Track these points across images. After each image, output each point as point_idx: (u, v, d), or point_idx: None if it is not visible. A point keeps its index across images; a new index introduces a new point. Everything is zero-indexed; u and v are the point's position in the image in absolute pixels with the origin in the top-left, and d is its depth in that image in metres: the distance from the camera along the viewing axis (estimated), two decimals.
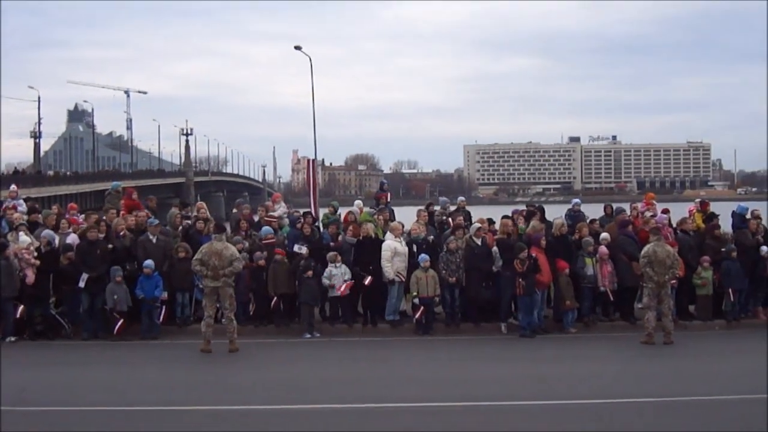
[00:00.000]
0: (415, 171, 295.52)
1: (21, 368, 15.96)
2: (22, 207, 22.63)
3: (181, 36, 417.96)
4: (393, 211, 24.41)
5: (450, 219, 22.50)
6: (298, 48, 39.22)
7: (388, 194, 25.37)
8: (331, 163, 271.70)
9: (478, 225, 21.27)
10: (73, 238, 20.51)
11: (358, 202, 24.96)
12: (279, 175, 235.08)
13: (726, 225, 23.22)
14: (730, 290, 21.31)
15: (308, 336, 20.06)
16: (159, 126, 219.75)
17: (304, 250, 20.61)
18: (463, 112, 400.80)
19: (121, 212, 22.19)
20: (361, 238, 21.11)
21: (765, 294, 21.84)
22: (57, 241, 20.39)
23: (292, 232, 21.93)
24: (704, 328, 21.07)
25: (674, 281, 19.82)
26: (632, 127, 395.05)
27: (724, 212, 24.48)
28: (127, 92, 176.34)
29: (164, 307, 20.33)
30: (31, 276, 19.51)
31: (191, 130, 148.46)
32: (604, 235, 21.26)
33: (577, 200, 25.22)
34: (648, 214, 22.49)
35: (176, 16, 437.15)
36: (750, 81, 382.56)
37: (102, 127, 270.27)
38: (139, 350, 18.83)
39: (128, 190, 24.76)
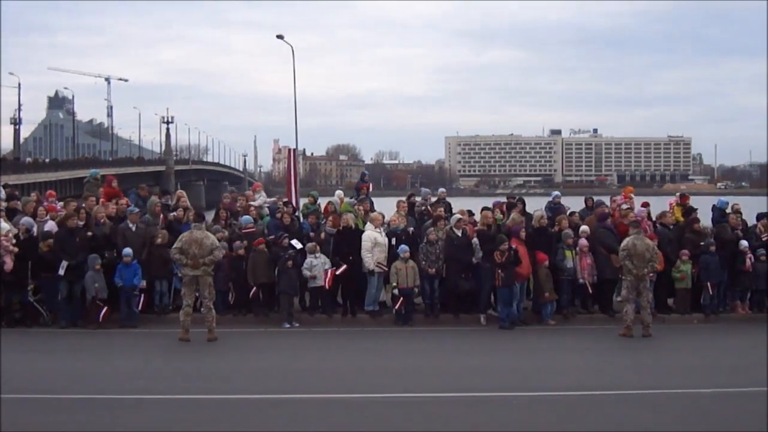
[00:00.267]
0: (396, 162, 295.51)
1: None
2: (1, 194, 22.49)
3: (162, 23, 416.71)
4: (372, 201, 24.41)
5: (430, 209, 22.52)
6: (280, 37, 39.13)
7: (369, 185, 25.36)
8: (312, 153, 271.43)
9: (459, 216, 21.28)
10: (51, 226, 20.41)
11: (338, 192, 24.96)
12: (260, 165, 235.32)
13: (706, 219, 23.32)
14: (708, 284, 21.41)
15: (287, 326, 20.05)
16: (140, 114, 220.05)
17: (299, 245, 20.61)
18: (445, 103, 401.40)
19: (101, 200, 22.13)
20: (341, 228, 21.10)
21: (743, 288, 21.95)
22: (35, 229, 20.29)
23: (271, 222, 21.90)
24: (682, 321, 21.17)
25: (653, 274, 19.88)
26: (613, 120, 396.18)
27: (704, 206, 24.59)
28: (108, 79, 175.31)
29: (143, 295, 20.28)
30: (9, 263, 19.39)
31: (172, 118, 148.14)
32: (584, 227, 21.33)
33: (557, 193, 25.29)
34: (625, 206, 22.59)
35: (158, 3, 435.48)
36: (732, 75, 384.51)
37: (82, 114, 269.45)
38: (118, 338, 18.77)
39: (108, 178, 24.68)
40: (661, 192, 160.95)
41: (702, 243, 21.59)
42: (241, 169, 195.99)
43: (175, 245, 18.46)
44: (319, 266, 20.40)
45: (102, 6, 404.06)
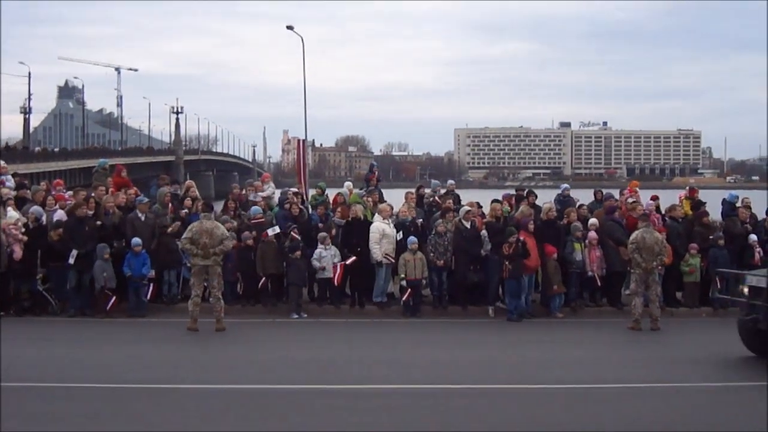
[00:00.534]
0: (405, 154, 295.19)
1: (7, 344, 15.88)
2: (10, 182, 22.53)
3: (173, 14, 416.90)
4: (382, 193, 24.41)
5: (439, 201, 22.51)
6: (290, 28, 39.12)
7: (377, 176, 25.31)
8: (321, 144, 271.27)
9: (467, 208, 21.27)
10: (60, 215, 20.44)
11: (348, 183, 24.99)
12: (269, 155, 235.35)
13: (715, 213, 23.27)
14: (717, 278, 21.35)
15: (296, 316, 20.06)
16: (149, 104, 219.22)
17: (277, 230, 20.60)
18: (455, 96, 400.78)
19: (111, 190, 22.16)
20: (349, 219, 21.11)
21: None
22: (44, 218, 20.31)
23: (280, 213, 21.91)
24: (691, 315, 21.16)
25: (661, 268, 19.86)
26: (623, 113, 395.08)
27: (713, 200, 24.53)
28: (118, 69, 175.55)
29: (152, 285, 20.31)
30: (18, 252, 19.43)
31: (182, 108, 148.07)
32: (593, 220, 21.30)
33: (566, 185, 25.25)
34: (631, 200, 22.58)
35: None
36: (742, 69, 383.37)
37: (92, 104, 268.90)
38: (126, 328, 18.80)
39: (118, 168, 24.72)
40: (671, 185, 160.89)
41: (711, 237, 21.55)
42: (250, 160, 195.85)
43: (185, 235, 18.46)
44: (328, 258, 20.40)
45: None
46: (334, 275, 20.47)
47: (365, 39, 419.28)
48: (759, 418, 11.70)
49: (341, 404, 12.36)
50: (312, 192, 24.52)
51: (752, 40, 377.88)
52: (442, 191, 23.76)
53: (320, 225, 21.36)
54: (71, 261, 19.55)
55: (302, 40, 34.77)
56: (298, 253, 20.12)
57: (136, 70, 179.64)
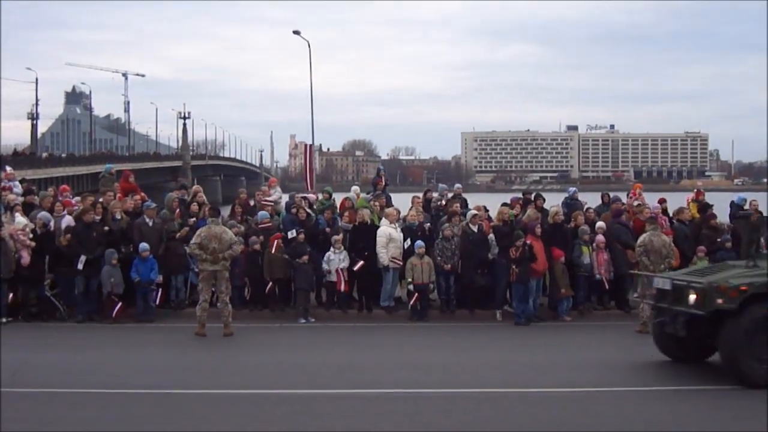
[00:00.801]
0: (412, 158, 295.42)
1: (15, 350, 15.92)
2: (18, 188, 22.58)
3: (179, 19, 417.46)
4: (390, 197, 24.42)
5: (445, 204, 22.49)
6: (296, 32, 39.13)
7: (384, 180, 25.28)
8: (328, 149, 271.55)
9: (474, 212, 21.27)
10: (68, 220, 20.48)
11: (355, 188, 25.00)
12: (276, 160, 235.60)
13: (723, 215, 23.22)
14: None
15: (303, 321, 20.07)
16: (157, 109, 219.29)
17: (294, 233, 20.66)
18: (462, 100, 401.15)
19: (118, 195, 22.19)
20: (356, 223, 21.11)
21: None
22: (52, 223, 20.35)
23: (287, 217, 21.91)
24: None
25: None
26: (630, 116, 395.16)
27: (720, 203, 24.48)
28: (125, 75, 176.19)
29: (159, 290, 20.34)
30: (26, 257, 19.47)
31: (189, 113, 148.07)
32: (600, 223, 21.26)
33: (574, 189, 25.25)
34: (635, 203, 22.55)
35: (174, 1, 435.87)
36: (749, 72, 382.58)
37: (99, 109, 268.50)
38: (134, 333, 18.82)
39: (125, 173, 24.76)
40: (678, 188, 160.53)
41: (719, 239, 21.50)
42: (257, 165, 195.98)
43: (193, 240, 18.46)
44: (336, 261, 20.41)
45: (119, 3, 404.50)
46: (338, 282, 20.49)
47: (372, 43, 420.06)
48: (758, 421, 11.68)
49: (349, 408, 12.36)
50: (319, 196, 24.49)
51: (759, 43, 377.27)
52: (450, 195, 23.74)
53: (327, 230, 21.37)
54: (80, 266, 19.59)
55: (309, 44, 34.84)
56: (305, 258, 20.14)
57: (143, 75, 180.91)
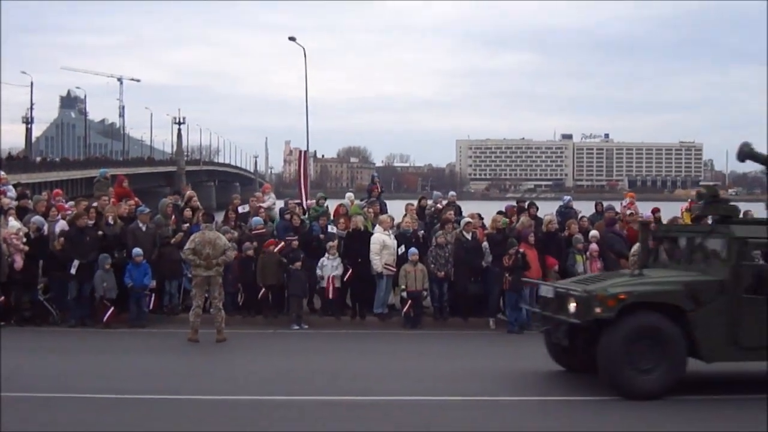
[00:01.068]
0: (407, 165, 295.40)
1: (8, 354, 15.88)
2: (11, 192, 22.55)
3: (175, 25, 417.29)
4: (385, 204, 24.43)
5: (440, 211, 22.50)
6: (292, 39, 39.08)
7: (379, 187, 25.27)
8: (323, 155, 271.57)
9: (468, 219, 21.29)
10: (62, 225, 20.46)
11: (349, 194, 25.03)
12: (271, 166, 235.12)
13: None
14: None
15: (296, 327, 20.07)
16: (151, 114, 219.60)
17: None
18: (456, 107, 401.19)
19: (112, 200, 22.18)
20: (350, 230, 21.13)
21: None
22: (46, 228, 20.33)
23: (281, 224, 21.92)
24: None
25: None
26: (625, 125, 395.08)
27: None
28: (120, 79, 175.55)
29: (153, 295, 20.33)
30: (19, 261, 19.45)
31: (184, 118, 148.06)
32: (594, 232, 21.27)
33: (569, 197, 25.27)
34: (628, 212, 22.57)
35: (171, 5, 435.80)
36: (744, 82, 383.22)
37: (94, 114, 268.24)
38: (127, 338, 18.80)
39: (119, 178, 24.74)
40: (672, 197, 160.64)
41: None
42: (252, 171, 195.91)
43: (187, 246, 18.45)
44: (328, 268, 20.42)
45: (115, 7, 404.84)
46: (327, 288, 20.51)
47: (367, 50, 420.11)
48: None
49: (341, 415, 12.36)
50: (312, 202, 24.46)
51: (753, 53, 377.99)
52: (444, 202, 23.76)
53: (321, 236, 21.38)
54: (73, 271, 19.58)
55: (304, 51, 34.77)
56: (299, 264, 20.14)
57: (138, 80, 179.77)
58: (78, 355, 17.01)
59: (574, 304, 13.70)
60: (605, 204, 24.37)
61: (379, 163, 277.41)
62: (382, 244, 20.48)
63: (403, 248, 20.69)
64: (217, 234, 18.70)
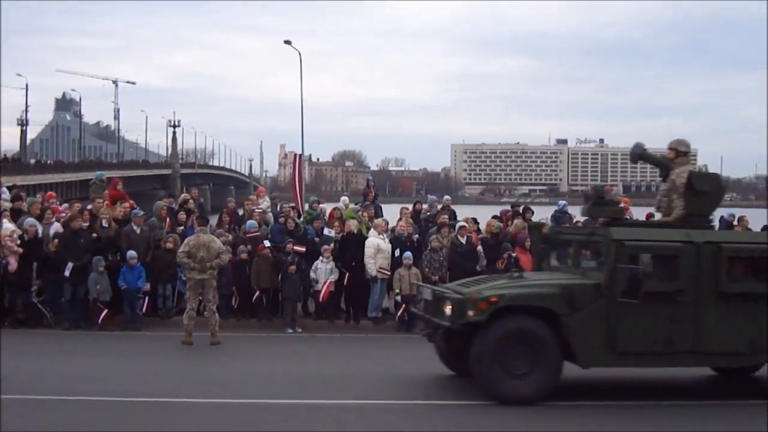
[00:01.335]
0: (402, 169, 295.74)
1: (2, 356, 15.85)
2: (6, 195, 22.52)
3: (170, 27, 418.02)
4: (381, 207, 24.44)
5: (435, 215, 22.51)
6: (287, 42, 39.03)
7: (373, 191, 25.28)
8: (318, 159, 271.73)
9: (462, 224, 21.30)
10: (56, 227, 20.45)
11: (344, 198, 25.02)
12: (266, 170, 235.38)
13: None
14: None
15: (290, 331, 20.06)
16: (147, 117, 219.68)
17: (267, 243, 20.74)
18: (452, 111, 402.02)
19: (106, 203, 22.16)
20: (344, 234, 21.14)
21: None
22: (41, 230, 20.30)
23: (275, 227, 21.92)
24: None
25: None
26: (620, 130, 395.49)
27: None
28: (115, 82, 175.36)
29: (147, 298, 20.31)
30: (13, 264, 19.43)
31: (179, 121, 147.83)
32: None
33: (564, 202, 25.29)
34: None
35: (166, 8, 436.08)
36: (739, 88, 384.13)
37: (89, 116, 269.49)
38: (121, 341, 18.78)
39: (114, 181, 24.74)
40: None
41: None
42: (247, 174, 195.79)
43: (181, 249, 18.46)
44: (322, 271, 20.42)
45: (110, 10, 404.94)
46: (319, 292, 20.51)
47: (363, 54, 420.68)
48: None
49: (335, 419, 12.36)
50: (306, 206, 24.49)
51: (750, 59, 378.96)
52: (439, 206, 23.77)
53: (316, 239, 21.38)
54: (67, 273, 19.56)
55: (300, 54, 34.73)
56: (293, 267, 20.15)
57: (133, 83, 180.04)
58: (72, 357, 16.98)
59: (450, 307, 13.48)
60: None
61: (374, 167, 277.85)
62: (376, 247, 20.48)
63: (397, 252, 20.69)
64: (212, 237, 18.70)
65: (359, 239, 20.90)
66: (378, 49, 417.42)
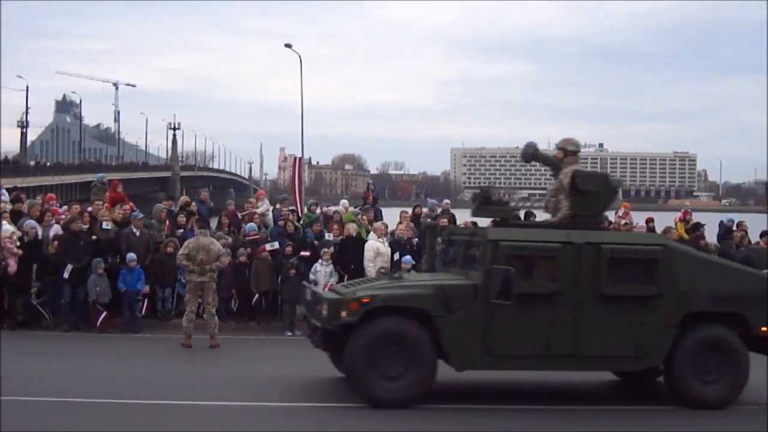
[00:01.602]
0: (401, 172, 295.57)
1: (1, 358, 15.86)
2: (5, 196, 22.53)
3: (171, 30, 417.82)
4: (380, 211, 24.46)
5: (432, 217, 22.51)
6: (288, 45, 39.06)
7: (371, 195, 25.29)
8: (318, 162, 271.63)
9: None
10: (56, 229, 20.47)
11: (343, 201, 25.04)
12: (265, 173, 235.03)
13: (711, 235, 23.30)
14: None
15: (289, 334, 20.07)
16: (147, 119, 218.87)
17: (276, 245, 20.70)
18: (451, 115, 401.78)
19: (106, 205, 22.18)
20: (344, 237, 21.15)
21: None
22: (40, 232, 20.30)
23: (275, 230, 21.94)
24: None
25: None
26: (619, 135, 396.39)
27: (707, 223, 24.57)
28: (115, 84, 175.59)
29: (146, 300, 20.32)
30: (13, 265, 19.43)
31: (179, 124, 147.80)
32: None
33: None
34: (623, 222, 22.64)
35: (166, 10, 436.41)
36: (738, 92, 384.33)
37: (90, 118, 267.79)
38: (120, 343, 18.78)
39: (113, 183, 24.76)
40: (666, 208, 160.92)
41: None
42: (246, 177, 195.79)
43: (181, 251, 18.47)
44: (322, 273, 20.41)
45: (111, 12, 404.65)
46: None
47: (362, 57, 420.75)
48: None
49: (333, 421, 12.38)
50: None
51: (749, 64, 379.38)
52: (439, 210, 23.78)
53: (315, 242, 21.40)
54: (66, 275, 19.56)
55: (300, 57, 34.75)
56: (293, 270, 20.16)
57: (134, 85, 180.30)
58: (71, 359, 16.97)
59: (325, 308, 13.31)
60: None
61: (373, 171, 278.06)
62: (376, 251, 20.48)
63: (397, 255, 20.69)
64: (211, 240, 18.71)
65: (359, 242, 20.91)
66: (378, 52, 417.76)
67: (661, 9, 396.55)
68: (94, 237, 20.33)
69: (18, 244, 19.58)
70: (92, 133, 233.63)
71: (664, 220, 25.18)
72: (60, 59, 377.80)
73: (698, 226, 22.94)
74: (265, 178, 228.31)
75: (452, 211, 24.87)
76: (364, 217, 22.64)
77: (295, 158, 29.28)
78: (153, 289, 20.50)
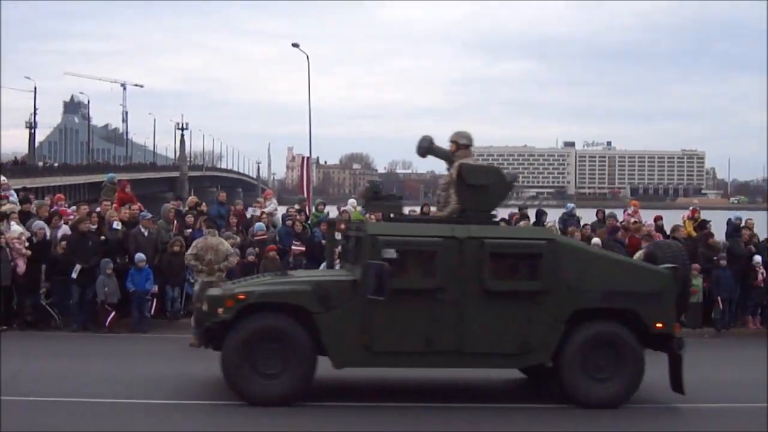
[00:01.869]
0: (409, 171, 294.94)
1: (10, 358, 15.89)
2: (14, 197, 22.59)
3: (178, 31, 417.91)
4: None
5: None
6: (295, 45, 39.21)
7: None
8: (325, 162, 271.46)
9: None
10: (64, 229, 20.51)
11: (351, 200, 25.06)
12: (273, 172, 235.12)
13: (718, 233, 23.28)
14: (719, 298, 21.35)
15: None
16: (155, 120, 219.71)
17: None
18: (458, 114, 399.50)
19: (114, 205, 22.23)
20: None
21: (755, 303, 21.91)
22: (48, 232, 20.34)
23: (283, 229, 21.95)
24: (693, 335, 21.07)
25: None
26: (627, 133, 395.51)
27: (716, 221, 24.57)
28: (123, 85, 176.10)
29: (154, 300, 20.35)
30: (22, 266, 19.48)
31: (187, 124, 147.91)
32: (596, 239, 21.29)
33: (572, 205, 25.33)
34: (632, 220, 22.64)
35: (174, 11, 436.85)
36: (746, 91, 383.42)
37: (98, 119, 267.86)
38: (129, 343, 18.80)
39: (122, 183, 24.81)
40: (674, 206, 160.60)
41: (714, 257, 21.55)
42: (254, 177, 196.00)
43: (189, 251, 18.49)
44: None
45: (119, 13, 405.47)
46: None
47: (369, 57, 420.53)
48: None
49: (338, 422, 12.40)
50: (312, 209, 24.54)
51: (756, 62, 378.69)
52: None
53: (323, 242, 21.38)
54: (74, 275, 19.60)
55: (308, 57, 34.87)
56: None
57: (141, 86, 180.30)
58: (80, 359, 16.99)
59: (207, 305, 13.23)
60: (607, 212, 24.42)
61: (381, 170, 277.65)
62: None
63: None
64: (220, 240, 18.71)
65: None
66: (384, 52, 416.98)
67: (668, 7, 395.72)
68: (102, 237, 20.37)
69: (27, 244, 19.62)
70: (100, 134, 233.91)
71: (673, 218, 25.16)
72: (68, 60, 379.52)
73: (704, 223, 22.92)
74: (273, 177, 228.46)
75: None
76: (372, 217, 22.61)
77: (303, 158, 29.33)
78: (162, 289, 20.53)
